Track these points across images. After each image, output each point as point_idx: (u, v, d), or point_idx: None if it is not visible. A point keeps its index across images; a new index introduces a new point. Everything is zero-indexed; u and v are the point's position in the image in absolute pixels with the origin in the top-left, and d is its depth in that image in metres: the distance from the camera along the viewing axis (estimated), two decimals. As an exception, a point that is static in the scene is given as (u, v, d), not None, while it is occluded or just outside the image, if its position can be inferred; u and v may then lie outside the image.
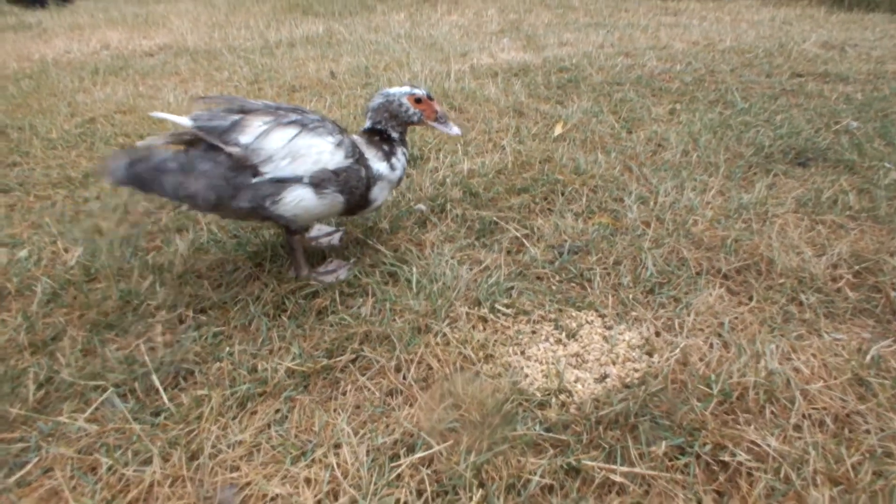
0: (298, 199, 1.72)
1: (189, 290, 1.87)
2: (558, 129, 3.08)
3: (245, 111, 1.73)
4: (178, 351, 1.64)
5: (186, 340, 1.68)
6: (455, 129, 1.97)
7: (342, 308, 1.79)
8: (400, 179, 1.97)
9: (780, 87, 3.76)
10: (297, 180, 1.72)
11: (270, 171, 1.69)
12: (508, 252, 2.05)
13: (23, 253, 2.09)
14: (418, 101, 1.91)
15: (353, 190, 1.80)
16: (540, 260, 1.98)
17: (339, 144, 1.77)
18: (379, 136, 1.93)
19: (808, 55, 4.50)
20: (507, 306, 1.78)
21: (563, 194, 2.41)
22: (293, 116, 1.74)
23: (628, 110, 3.36)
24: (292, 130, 1.71)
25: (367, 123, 1.93)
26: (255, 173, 1.69)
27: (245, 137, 1.67)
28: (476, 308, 1.78)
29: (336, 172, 1.76)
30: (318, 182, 1.74)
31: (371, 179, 1.86)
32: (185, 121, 1.69)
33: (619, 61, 4.38)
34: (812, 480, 1.25)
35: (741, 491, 1.25)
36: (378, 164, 1.88)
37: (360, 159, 1.82)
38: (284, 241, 1.90)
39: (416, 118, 1.93)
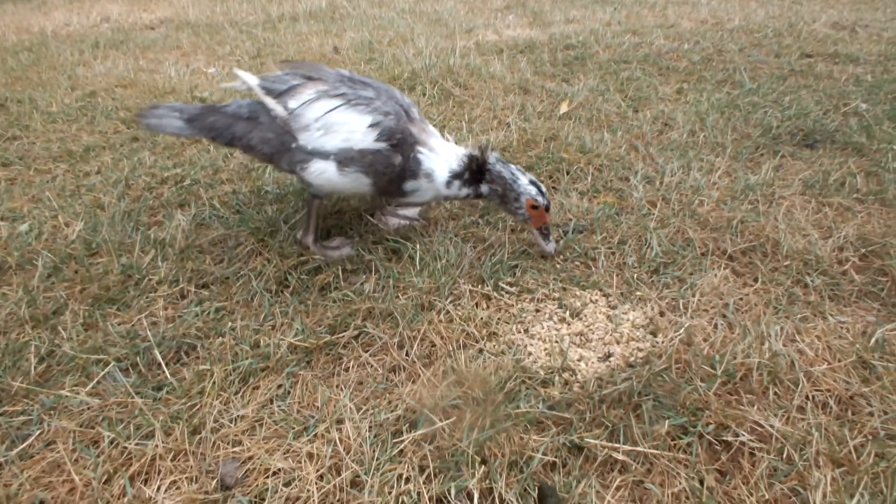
0: (320, 171, 1.77)
1: (191, 265, 1.86)
2: (564, 107, 3.05)
3: (310, 78, 1.80)
4: (179, 326, 1.63)
5: (188, 315, 1.67)
6: (551, 247, 1.86)
7: (345, 284, 1.78)
8: (447, 198, 1.89)
9: (788, 67, 3.71)
10: (324, 156, 1.76)
11: (304, 140, 1.77)
12: (512, 230, 2.03)
13: (23, 227, 2.08)
14: (535, 207, 1.79)
15: (378, 174, 1.77)
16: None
17: (374, 125, 1.74)
18: (478, 167, 1.82)
19: (817, 35, 4.44)
20: (511, 284, 1.77)
21: (568, 173, 2.39)
22: (343, 89, 1.77)
23: (635, 89, 3.33)
24: (334, 103, 1.74)
25: (488, 159, 1.81)
26: (294, 139, 1.78)
27: (293, 102, 1.76)
28: (479, 286, 1.77)
29: (362, 153, 1.75)
30: (342, 160, 1.75)
31: (408, 171, 1.80)
32: (254, 80, 1.82)
33: (627, 39, 4.33)
34: (814, 461, 1.25)
35: (743, 471, 1.25)
36: (437, 166, 1.80)
37: (398, 146, 1.76)
38: (307, 197, 1.92)
39: (520, 218, 1.85)
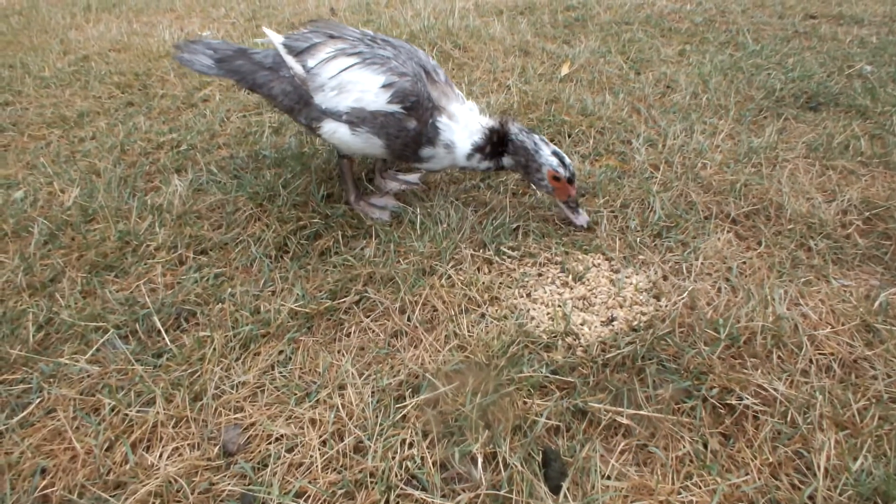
0: (332, 132, 1.77)
1: (189, 230, 1.84)
2: (565, 70, 3.00)
3: (332, 37, 1.80)
4: (179, 292, 1.62)
5: (187, 282, 1.65)
6: (583, 220, 1.80)
7: (345, 249, 1.76)
8: (464, 169, 1.87)
9: (792, 28, 3.65)
10: (336, 116, 1.74)
11: (319, 99, 1.76)
12: (514, 194, 2.01)
13: (18, 194, 2.05)
14: (557, 178, 1.73)
15: (391, 136, 1.74)
16: (546, 202, 1.95)
17: (387, 86, 1.70)
18: (499, 139, 1.77)
19: (821, -5, 4.37)
20: (513, 248, 1.76)
21: (569, 136, 2.36)
22: (361, 48, 1.75)
23: (637, 51, 3.27)
24: (350, 61, 1.72)
25: (510, 130, 1.76)
26: (311, 97, 1.78)
27: (312, 61, 1.75)
28: (481, 250, 1.75)
29: (374, 114, 1.72)
30: (352, 120, 1.73)
31: (425, 137, 1.75)
32: (278, 39, 1.83)
33: (628, 0, 4.25)
34: (818, 424, 1.24)
35: (747, 434, 1.25)
36: (459, 137, 1.76)
37: (413, 109, 1.71)
38: (337, 158, 1.94)
39: (545, 191, 1.80)
